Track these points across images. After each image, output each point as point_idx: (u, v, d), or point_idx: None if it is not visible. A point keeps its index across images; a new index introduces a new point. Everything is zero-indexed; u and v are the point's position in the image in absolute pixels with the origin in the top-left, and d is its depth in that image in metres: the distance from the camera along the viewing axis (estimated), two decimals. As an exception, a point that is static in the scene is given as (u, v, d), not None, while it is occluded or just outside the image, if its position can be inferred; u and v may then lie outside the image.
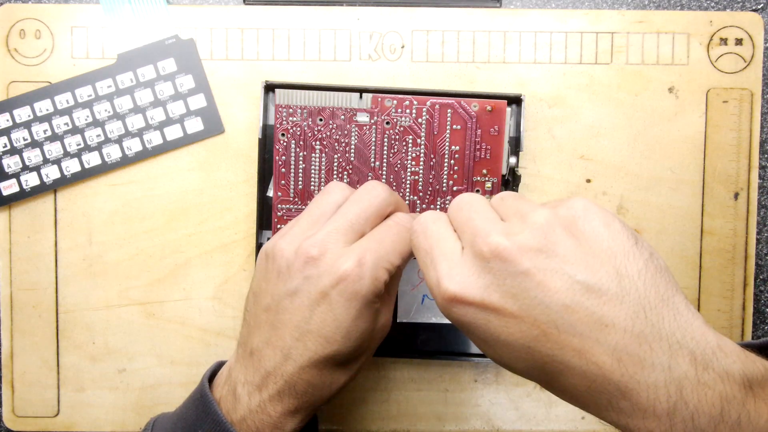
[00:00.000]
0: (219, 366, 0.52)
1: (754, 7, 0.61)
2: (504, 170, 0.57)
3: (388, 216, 0.50)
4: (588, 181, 0.60)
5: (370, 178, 0.57)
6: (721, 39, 0.60)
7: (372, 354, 0.51)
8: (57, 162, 0.60)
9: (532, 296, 0.38)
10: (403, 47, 0.60)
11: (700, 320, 0.38)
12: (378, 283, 0.46)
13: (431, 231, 0.43)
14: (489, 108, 0.56)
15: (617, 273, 0.38)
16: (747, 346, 0.40)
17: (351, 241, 0.48)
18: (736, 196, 0.60)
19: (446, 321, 0.58)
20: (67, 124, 0.59)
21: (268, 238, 0.59)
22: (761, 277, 0.62)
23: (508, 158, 0.57)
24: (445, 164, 0.57)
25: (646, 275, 0.38)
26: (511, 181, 0.58)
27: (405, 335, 0.60)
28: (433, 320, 0.60)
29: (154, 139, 0.60)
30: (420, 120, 0.56)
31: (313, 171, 0.57)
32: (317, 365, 0.47)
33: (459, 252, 0.41)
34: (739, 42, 0.60)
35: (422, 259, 0.43)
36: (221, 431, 0.46)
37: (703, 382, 0.36)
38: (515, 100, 0.58)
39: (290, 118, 0.56)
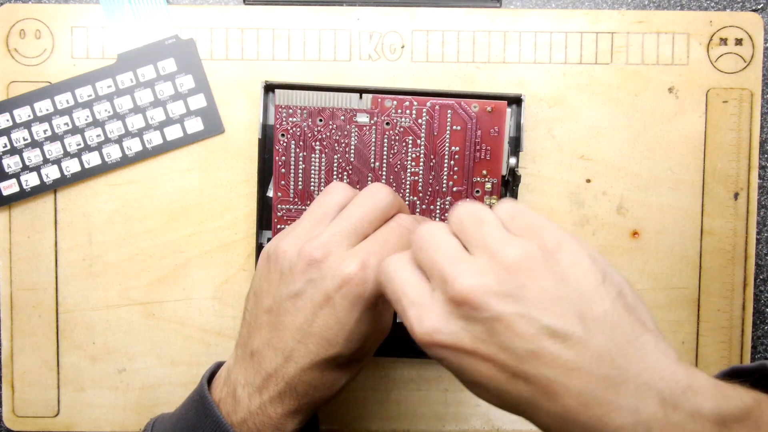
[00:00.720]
0: (218, 367, 0.52)
1: (754, 7, 0.61)
2: (504, 171, 0.57)
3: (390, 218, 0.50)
4: (588, 181, 0.60)
5: (369, 178, 0.57)
6: (721, 39, 0.60)
7: (372, 355, 0.51)
8: (57, 162, 0.60)
9: (500, 341, 0.37)
10: (403, 47, 0.60)
11: (671, 358, 0.37)
12: (381, 286, 0.46)
13: (397, 278, 0.42)
14: (489, 109, 0.56)
15: (582, 316, 0.37)
16: (736, 372, 0.39)
17: (354, 244, 0.48)
18: (736, 196, 0.60)
19: None
20: (67, 124, 0.59)
21: (269, 239, 0.59)
22: (761, 277, 0.62)
23: (508, 159, 0.57)
24: (445, 165, 0.57)
25: (612, 315, 0.38)
26: (511, 182, 0.58)
27: (405, 335, 0.60)
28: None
29: (154, 139, 0.60)
30: (420, 120, 0.56)
31: (312, 171, 0.57)
32: (318, 367, 0.47)
33: (428, 294, 0.41)
34: (739, 42, 0.60)
35: (394, 305, 0.43)
36: None
37: (672, 423, 0.35)
38: (515, 100, 0.58)
39: (290, 119, 0.56)
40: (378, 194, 0.49)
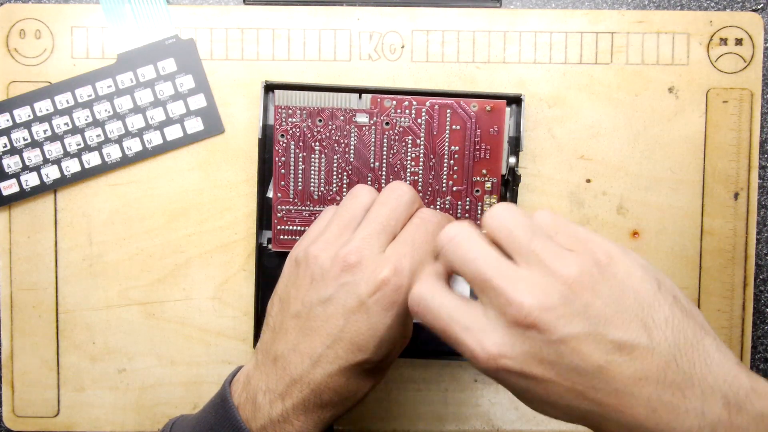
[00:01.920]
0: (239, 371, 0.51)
1: (754, 7, 0.61)
2: (504, 170, 0.57)
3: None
4: (588, 181, 0.60)
5: (369, 178, 0.57)
6: (721, 39, 0.60)
7: (393, 363, 0.50)
8: (57, 162, 0.60)
9: (568, 362, 0.38)
10: (403, 47, 0.60)
11: (732, 361, 0.38)
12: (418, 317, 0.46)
13: (437, 306, 0.41)
14: (488, 108, 0.56)
15: (645, 325, 0.38)
16: None
17: (385, 245, 0.48)
18: (736, 196, 0.60)
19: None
20: (67, 124, 0.59)
21: (269, 239, 0.59)
22: (761, 277, 0.62)
23: (508, 158, 0.57)
24: (445, 164, 0.57)
25: (673, 322, 0.38)
26: (511, 181, 0.58)
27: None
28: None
29: (154, 139, 0.60)
30: (419, 120, 0.56)
31: (312, 172, 0.57)
32: (345, 373, 0.46)
33: (481, 315, 0.40)
34: (739, 42, 0.60)
35: (441, 334, 0.42)
36: None
37: (737, 425, 0.36)
38: (515, 100, 0.58)
39: (289, 119, 0.56)
40: (399, 191, 0.49)
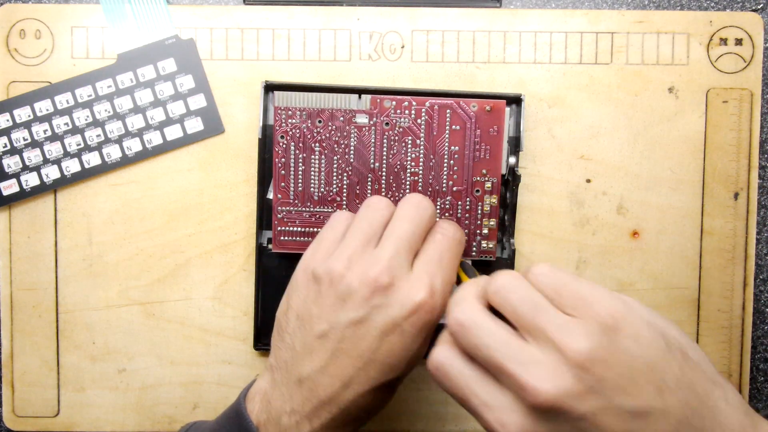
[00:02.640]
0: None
1: (754, 7, 0.61)
2: (504, 170, 0.57)
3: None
4: (588, 181, 0.60)
5: (369, 179, 0.57)
6: (721, 39, 0.60)
7: None
8: (57, 162, 0.60)
9: None
10: (403, 47, 0.60)
11: (739, 410, 0.39)
12: (444, 308, 0.46)
13: (456, 376, 0.41)
14: (488, 108, 0.56)
15: (658, 389, 0.38)
16: None
17: (411, 262, 0.48)
18: (736, 196, 0.60)
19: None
20: (67, 124, 0.59)
21: (269, 239, 0.59)
22: (761, 277, 0.62)
23: (508, 158, 0.57)
24: (445, 165, 0.57)
25: (683, 380, 0.39)
26: (510, 181, 0.58)
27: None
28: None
29: (154, 139, 0.60)
30: (419, 121, 0.56)
31: (312, 173, 0.57)
32: (375, 391, 0.47)
33: (499, 395, 0.40)
34: (739, 42, 0.60)
35: (459, 401, 0.42)
36: None
37: None
38: (515, 100, 0.58)
39: (289, 120, 0.56)
40: (421, 205, 0.50)
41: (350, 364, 0.46)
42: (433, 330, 0.46)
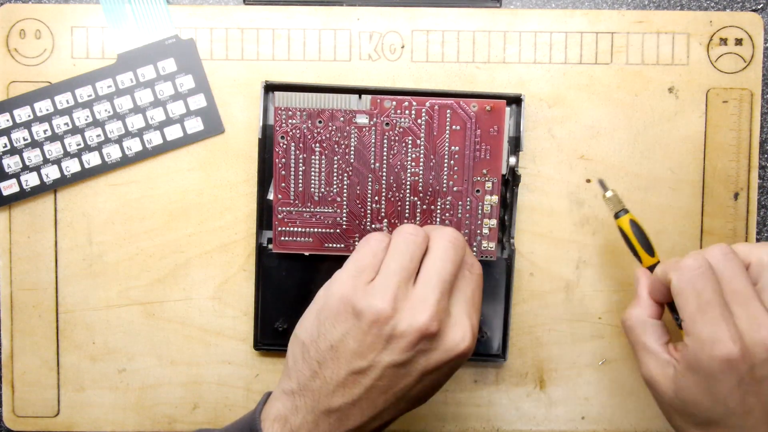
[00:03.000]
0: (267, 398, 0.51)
1: (754, 7, 0.61)
2: (504, 170, 0.57)
3: None
4: (588, 181, 0.60)
5: (370, 179, 0.57)
6: (721, 39, 0.60)
7: None
8: (57, 162, 0.60)
9: None
10: (403, 47, 0.60)
11: None
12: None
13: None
14: (488, 108, 0.56)
15: None
16: None
17: (448, 301, 0.48)
18: (736, 196, 0.60)
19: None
20: (67, 124, 0.59)
21: (269, 239, 0.59)
22: (761, 277, 0.62)
23: (508, 158, 0.57)
24: (445, 165, 0.57)
25: None
26: (511, 181, 0.58)
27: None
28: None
29: (154, 139, 0.60)
30: (419, 121, 0.56)
31: (313, 173, 0.57)
32: (399, 417, 0.49)
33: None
34: (739, 42, 0.60)
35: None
36: None
37: None
38: (515, 100, 0.58)
39: (290, 121, 0.56)
40: (458, 244, 0.50)
41: (383, 400, 0.47)
42: None
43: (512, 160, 0.58)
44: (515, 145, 0.58)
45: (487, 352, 0.60)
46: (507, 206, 0.59)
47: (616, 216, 0.54)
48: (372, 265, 0.49)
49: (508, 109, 0.57)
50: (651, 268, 0.53)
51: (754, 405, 0.47)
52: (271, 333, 0.60)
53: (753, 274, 0.48)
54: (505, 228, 0.59)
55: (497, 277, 0.60)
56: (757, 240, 0.61)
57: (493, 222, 0.58)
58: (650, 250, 0.53)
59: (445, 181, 0.57)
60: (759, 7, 0.61)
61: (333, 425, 0.47)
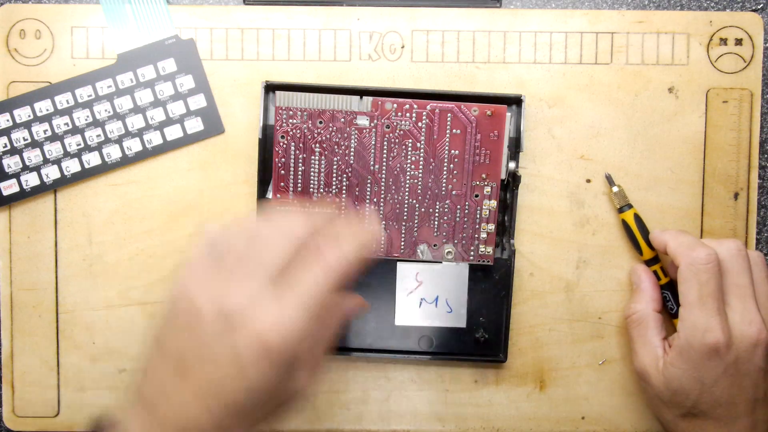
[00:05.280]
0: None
1: (754, 7, 0.61)
2: (503, 175, 0.57)
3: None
4: (588, 181, 0.60)
5: (369, 181, 0.57)
6: (721, 39, 0.60)
7: None
8: (57, 162, 0.60)
9: None
10: (403, 47, 0.60)
11: None
12: None
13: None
14: (489, 113, 0.56)
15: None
16: None
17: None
18: (736, 196, 0.60)
19: (445, 324, 0.58)
20: (67, 124, 0.59)
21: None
22: (760, 277, 0.62)
23: (508, 163, 0.57)
24: (445, 168, 0.57)
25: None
26: (510, 183, 0.58)
27: (404, 336, 0.60)
28: (436, 324, 0.60)
29: (154, 139, 0.60)
30: (420, 124, 0.56)
31: (312, 173, 0.57)
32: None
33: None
34: (739, 42, 0.60)
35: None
36: None
37: None
38: (515, 101, 0.58)
39: (290, 120, 0.56)
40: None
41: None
42: None
43: (512, 164, 0.58)
44: (515, 146, 0.58)
45: (487, 352, 0.60)
46: (507, 208, 0.59)
47: (621, 210, 0.58)
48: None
49: (508, 114, 0.57)
50: (648, 262, 0.58)
51: (738, 396, 0.51)
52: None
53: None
54: (504, 230, 0.59)
55: (497, 278, 0.60)
56: (757, 240, 0.61)
57: (491, 226, 0.58)
58: (651, 245, 0.58)
59: (444, 184, 0.57)
60: (759, 7, 0.61)
61: None
